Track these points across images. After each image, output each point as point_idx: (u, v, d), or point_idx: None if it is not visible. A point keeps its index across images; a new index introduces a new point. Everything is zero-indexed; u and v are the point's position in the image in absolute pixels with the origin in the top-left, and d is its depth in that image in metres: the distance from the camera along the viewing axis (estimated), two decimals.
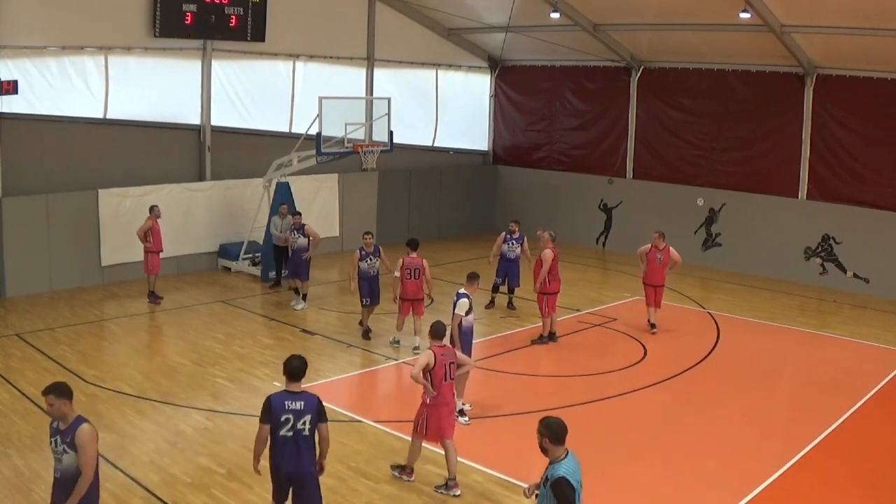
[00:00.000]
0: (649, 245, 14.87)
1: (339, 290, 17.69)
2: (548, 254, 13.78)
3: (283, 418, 6.86)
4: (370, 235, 14.08)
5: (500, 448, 9.91)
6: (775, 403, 12.06)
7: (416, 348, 12.99)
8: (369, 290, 13.94)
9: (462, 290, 11.01)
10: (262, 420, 6.90)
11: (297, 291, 16.05)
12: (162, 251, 15.85)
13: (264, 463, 7.06)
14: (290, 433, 6.88)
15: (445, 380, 8.71)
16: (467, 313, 10.90)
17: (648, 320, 14.71)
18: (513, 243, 15.69)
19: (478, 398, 11.23)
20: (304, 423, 6.90)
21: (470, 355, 10.76)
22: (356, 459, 9.37)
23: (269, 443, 6.94)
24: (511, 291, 15.91)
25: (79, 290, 16.54)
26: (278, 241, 16.82)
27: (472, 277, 11.13)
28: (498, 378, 12.28)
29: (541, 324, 14.13)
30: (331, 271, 19.03)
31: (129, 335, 14.10)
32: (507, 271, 15.79)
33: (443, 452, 8.86)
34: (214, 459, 9.28)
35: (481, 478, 9.03)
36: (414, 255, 13.09)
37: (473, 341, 11.41)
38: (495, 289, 15.97)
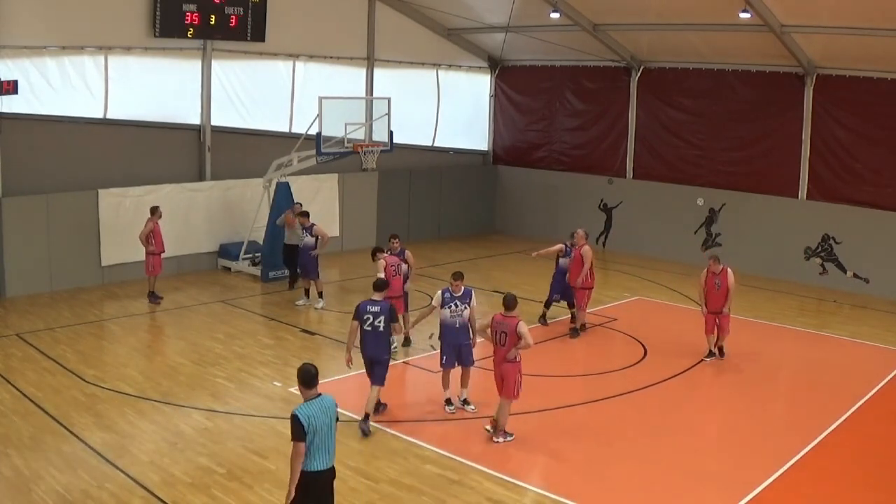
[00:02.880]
0: (705, 271, 13.47)
1: (340, 290, 17.69)
2: (588, 250, 14.11)
3: (365, 317, 10.00)
4: (397, 239, 13.66)
5: (501, 448, 9.89)
6: (775, 403, 12.06)
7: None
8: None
9: (448, 287, 11.04)
10: (353, 318, 10.11)
11: (307, 292, 16.02)
12: (164, 252, 15.85)
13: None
14: (370, 328, 9.98)
15: (497, 345, 9.92)
16: (442, 306, 10.84)
17: (710, 350, 13.40)
18: (572, 256, 14.51)
19: (478, 398, 11.22)
20: (379, 321, 9.96)
21: (447, 351, 10.86)
22: (356, 459, 9.37)
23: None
24: (572, 307, 14.63)
25: (79, 290, 16.53)
26: (292, 241, 16.45)
27: (456, 276, 11.05)
28: None
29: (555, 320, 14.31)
30: (331, 271, 19.02)
31: (129, 335, 14.09)
32: (564, 287, 14.59)
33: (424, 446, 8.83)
34: (214, 459, 9.28)
35: (482, 478, 9.02)
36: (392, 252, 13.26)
37: (481, 340, 11.35)
38: (548, 304, 14.95)
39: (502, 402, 9.94)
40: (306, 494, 6.67)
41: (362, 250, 20.75)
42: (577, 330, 14.35)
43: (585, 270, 14.05)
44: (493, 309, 15.93)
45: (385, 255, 13.15)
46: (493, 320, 10.03)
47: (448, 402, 10.95)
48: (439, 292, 11.00)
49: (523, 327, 9.75)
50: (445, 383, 11.00)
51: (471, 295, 10.93)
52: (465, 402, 11.02)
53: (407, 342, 13.60)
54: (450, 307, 10.82)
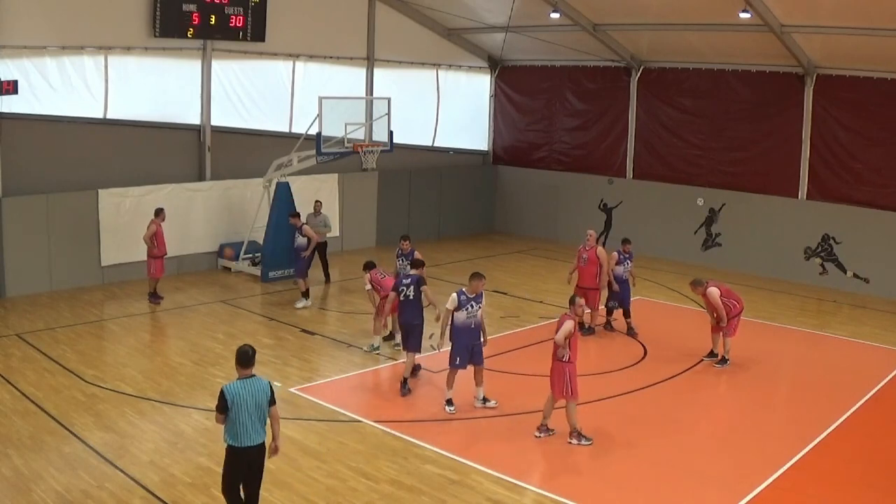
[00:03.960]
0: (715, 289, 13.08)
1: (339, 290, 17.70)
2: (602, 252, 14.36)
3: (401, 289, 11.81)
4: (407, 240, 13.88)
5: (501, 448, 9.90)
6: (775, 403, 12.05)
7: (376, 348, 13.31)
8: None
9: (462, 289, 11.00)
10: (394, 289, 11.97)
11: (303, 287, 16.02)
12: (166, 254, 15.86)
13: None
14: (404, 298, 11.73)
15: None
16: (457, 309, 10.81)
17: (713, 350, 13.36)
18: (627, 264, 14.50)
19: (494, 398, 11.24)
20: (410, 291, 11.78)
21: (461, 352, 10.84)
22: (356, 459, 9.37)
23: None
24: (628, 315, 14.58)
25: (79, 290, 16.53)
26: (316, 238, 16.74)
27: (478, 277, 11.00)
28: (498, 378, 12.26)
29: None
30: (331, 272, 19.04)
31: (129, 335, 14.10)
32: (621, 296, 14.50)
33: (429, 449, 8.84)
34: (214, 459, 9.26)
35: (481, 478, 9.02)
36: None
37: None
38: (610, 312, 14.74)
39: (566, 404, 9.96)
40: (232, 467, 7.20)
41: (362, 250, 20.80)
42: (592, 329, 14.55)
43: (607, 271, 14.21)
44: (495, 310, 16.00)
45: (377, 274, 13.12)
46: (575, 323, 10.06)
47: (449, 402, 10.93)
48: (454, 295, 10.88)
49: (564, 326, 9.84)
50: (450, 383, 10.95)
51: (482, 294, 10.96)
52: (485, 399, 11.08)
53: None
54: (466, 309, 10.80)
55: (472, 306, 10.78)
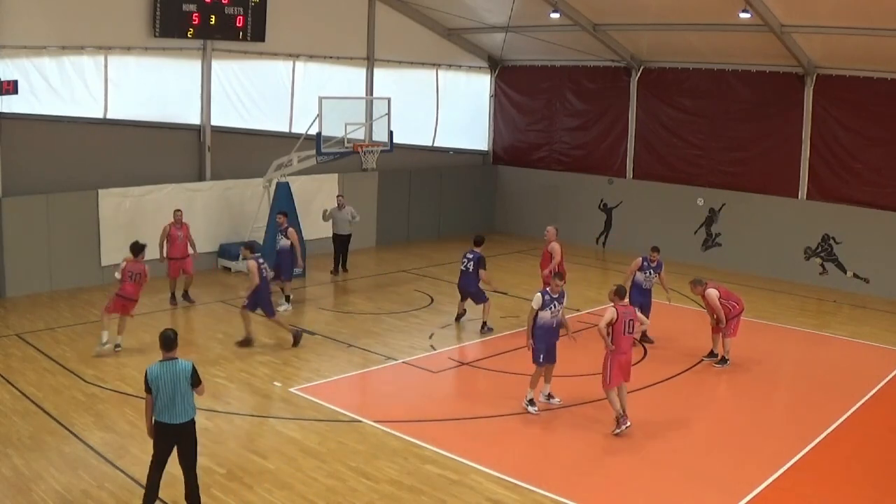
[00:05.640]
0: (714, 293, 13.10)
1: (340, 290, 17.70)
2: (556, 246, 14.78)
3: (462, 262, 14.42)
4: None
5: (501, 447, 9.90)
6: (775, 403, 12.05)
7: (117, 346, 13.03)
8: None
9: (546, 289, 11.12)
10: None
11: (282, 290, 15.84)
12: (181, 257, 15.71)
13: None
14: (464, 268, 14.33)
15: (624, 333, 10.26)
16: (542, 308, 10.86)
17: (713, 350, 13.40)
18: (650, 272, 13.96)
19: (478, 398, 11.24)
20: (469, 265, 14.26)
21: (543, 350, 10.93)
22: (356, 459, 9.37)
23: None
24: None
25: (79, 290, 16.53)
26: (339, 231, 18.67)
27: (560, 277, 11.43)
28: (498, 378, 12.28)
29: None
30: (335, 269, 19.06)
31: (128, 335, 14.04)
32: (641, 304, 13.59)
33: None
34: (214, 459, 9.28)
35: (482, 478, 9.02)
36: (135, 259, 13.22)
37: (478, 341, 11.29)
38: None
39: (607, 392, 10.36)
40: (157, 440, 7.80)
41: (362, 251, 20.81)
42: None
43: (554, 265, 14.50)
44: (495, 311, 16.00)
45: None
46: (618, 311, 10.33)
47: (532, 402, 10.93)
48: (538, 294, 10.98)
49: (605, 315, 10.34)
50: (535, 382, 10.98)
51: (564, 294, 11.19)
52: (550, 395, 11.22)
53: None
54: (550, 308, 10.92)
55: (555, 305, 10.94)
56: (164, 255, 15.60)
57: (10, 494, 8.34)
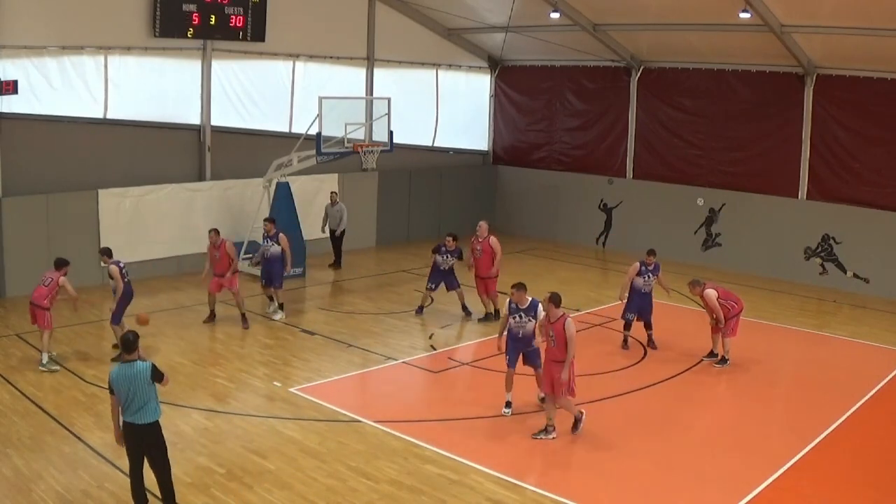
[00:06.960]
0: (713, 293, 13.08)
1: (339, 290, 17.70)
2: (495, 241, 15.47)
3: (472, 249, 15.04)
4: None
5: (501, 448, 9.90)
6: (775, 403, 12.06)
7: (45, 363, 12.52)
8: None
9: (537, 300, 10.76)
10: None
11: (271, 298, 15.53)
12: (220, 274, 14.57)
13: None
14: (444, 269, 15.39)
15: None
16: (509, 314, 10.71)
17: (713, 350, 13.40)
18: (648, 276, 13.80)
19: (477, 398, 11.23)
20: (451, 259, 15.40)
21: (512, 354, 10.82)
22: (356, 459, 9.37)
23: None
24: (648, 328, 13.95)
25: (78, 290, 16.33)
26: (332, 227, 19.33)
27: (518, 287, 10.82)
28: (498, 378, 12.26)
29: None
30: (330, 272, 19.05)
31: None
32: (641, 307, 13.84)
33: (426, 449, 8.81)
34: (214, 459, 9.28)
35: (482, 478, 9.02)
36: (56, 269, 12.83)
37: (478, 341, 11.27)
38: (628, 326, 13.91)
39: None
40: (127, 441, 7.85)
41: (362, 251, 20.82)
42: (490, 315, 15.32)
43: (499, 260, 15.30)
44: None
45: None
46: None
47: (507, 404, 10.86)
48: (507, 300, 10.82)
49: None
50: (508, 385, 10.85)
51: (536, 308, 10.58)
52: (543, 399, 10.91)
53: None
54: (514, 318, 10.65)
55: (520, 316, 10.58)
56: (207, 272, 14.95)
57: (10, 494, 8.34)
